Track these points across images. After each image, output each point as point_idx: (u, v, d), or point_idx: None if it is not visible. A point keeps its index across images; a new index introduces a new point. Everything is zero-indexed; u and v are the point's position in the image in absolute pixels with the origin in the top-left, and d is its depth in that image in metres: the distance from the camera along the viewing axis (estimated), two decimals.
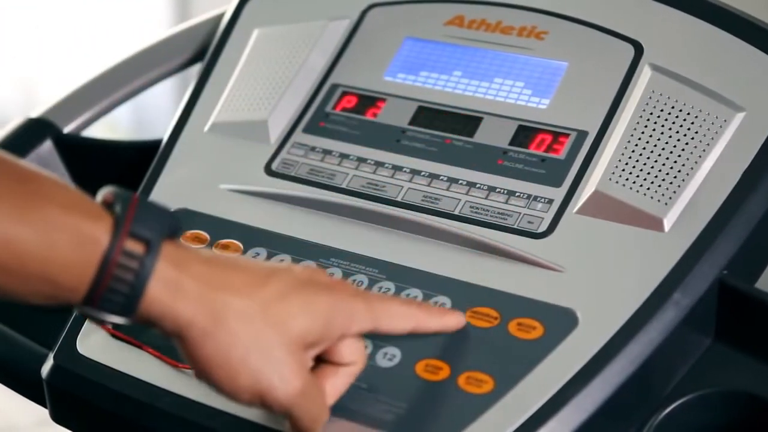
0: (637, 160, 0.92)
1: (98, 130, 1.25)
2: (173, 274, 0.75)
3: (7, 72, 3.12)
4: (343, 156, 1.03)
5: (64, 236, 0.72)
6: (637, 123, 0.94)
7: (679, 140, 0.92)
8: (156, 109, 2.90)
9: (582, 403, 0.82)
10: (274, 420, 0.85)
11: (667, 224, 0.89)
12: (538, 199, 0.94)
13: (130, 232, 0.74)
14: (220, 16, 1.21)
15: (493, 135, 1.00)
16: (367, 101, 1.06)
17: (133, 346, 0.93)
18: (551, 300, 0.88)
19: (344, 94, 1.07)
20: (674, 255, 0.87)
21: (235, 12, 1.17)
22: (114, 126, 2.90)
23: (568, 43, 1.02)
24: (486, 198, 0.96)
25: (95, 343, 0.94)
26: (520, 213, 0.94)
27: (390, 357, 0.87)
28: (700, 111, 0.93)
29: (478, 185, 0.97)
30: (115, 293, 0.74)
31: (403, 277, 0.93)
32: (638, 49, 0.98)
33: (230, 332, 0.75)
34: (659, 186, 0.90)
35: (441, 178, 0.98)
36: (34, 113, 1.20)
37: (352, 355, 0.82)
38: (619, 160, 0.93)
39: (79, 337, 0.95)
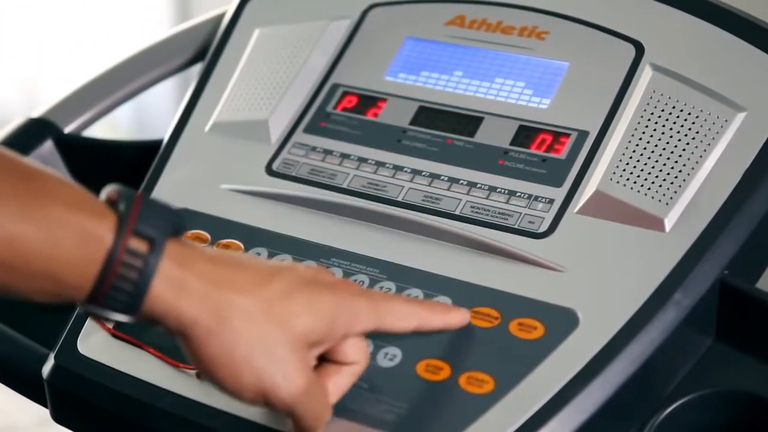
0: (638, 160, 0.92)
1: (99, 130, 1.25)
2: (177, 272, 0.75)
3: (8, 72, 3.12)
4: (344, 156, 1.03)
5: (68, 234, 0.72)
6: (638, 123, 0.94)
7: (680, 140, 0.92)
8: (157, 109, 2.90)
9: (583, 403, 0.82)
10: (274, 420, 0.85)
11: (668, 224, 0.89)
12: (539, 199, 0.94)
13: (134, 230, 0.74)
14: (221, 16, 1.21)
15: (494, 135, 1.00)
16: (368, 101, 1.06)
17: (134, 346, 0.93)
18: (552, 300, 0.88)
19: (345, 94, 1.07)
20: (675, 255, 0.87)
21: (235, 12, 1.17)
22: (115, 126, 2.90)
23: (569, 43, 1.02)
24: (487, 198, 0.96)
25: (96, 343, 0.94)
26: (520, 213, 0.94)
27: (391, 357, 0.87)
28: (701, 111, 0.93)
29: (478, 185, 0.97)
30: (119, 291, 0.74)
31: (404, 277, 0.93)
32: (639, 49, 0.98)
33: (234, 331, 0.76)
34: (660, 186, 0.90)
35: (442, 178, 0.98)
36: (35, 113, 1.20)
37: (355, 354, 0.82)
38: (620, 160, 0.93)
39: (79, 337, 0.95)
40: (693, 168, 0.90)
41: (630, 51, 0.98)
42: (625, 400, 0.84)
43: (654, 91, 0.95)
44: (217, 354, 0.76)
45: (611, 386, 0.83)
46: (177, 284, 0.75)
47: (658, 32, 0.99)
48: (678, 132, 0.92)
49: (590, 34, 1.01)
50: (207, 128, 1.10)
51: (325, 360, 0.82)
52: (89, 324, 0.96)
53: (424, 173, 0.99)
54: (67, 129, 1.19)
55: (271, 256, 0.97)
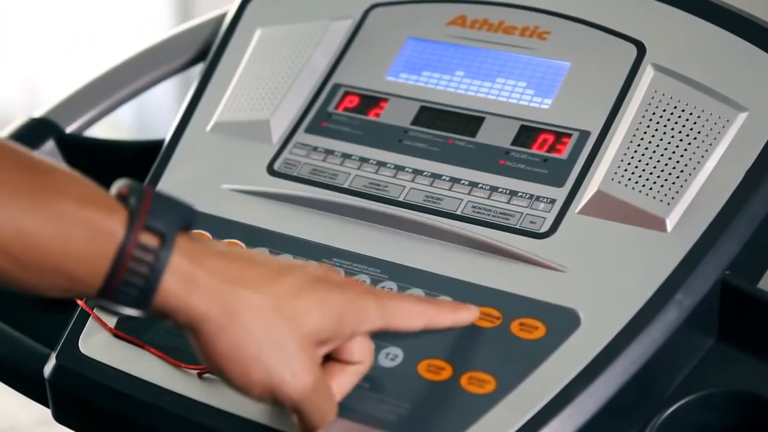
0: (640, 160, 0.92)
1: (101, 130, 1.25)
2: (188, 267, 0.75)
3: (9, 72, 3.12)
4: (346, 156, 1.03)
5: (79, 229, 0.73)
6: (640, 123, 0.94)
7: (681, 140, 0.92)
8: (158, 109, 2.90)
9: (584, 403, 0.82)
10: (276, 420, 0.85)
11: (670, 224, 0.89)
12: (541, 199, 0.94)
13: (145, 225, 0.74)
14: (223, 16, 1.21)
15: (496, 135, 1.00)
16: (370, 101, 1.06)
17: (136, 345, 0.93)
18: (553, 300, 0.88)
19: (346, 93, 1.07)
20: (677, 255, 0.87)
21: (237, 12, 1.17)
22: (116, 126, 2.90)
23: (571, 43, 1.02)
24: (488, 198, 0.96)
25: (97, 343, 0.94)
26: (522, 213, 0.94)
27: (392, 357, 0.87)
28: (703, 111, 0.93)
29: (480, 185, 0.97)
30: (130, 286, 0.74)
31: (406, 277, 0.93)
32: (641, 49, 0.98)
33: (244, 327, 0.76)
34: (662, 186, 0.90)
35: (443, 178, 0.98)
36: (37, 113, 1.20)
37: (361, 354, 0.82)
38: (622, 160, 0.93)
39: (81, 336, 0.95)
40: (694, 168, 0.90)
41: (631, 51, 0.99)
42: (627, 400, 0.84)
43: (655, 91, 0.95)
44: (226, 350, 0.76)
45: (613, 386, 0.83)
46: (187, 279, 0.75)
47: (660, 32, 0.99)
48: (679, 132, 0.92)
49: (592, 34, 1.01)
50: (208, 128, 1.10)
51: (330, 359, 0.82)
52: (91, 324, 0.96)
53: (425, 173, 0.99)
54: (69, 129, 1.19)
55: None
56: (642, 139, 0.93)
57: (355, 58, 1.09)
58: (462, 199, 0.97)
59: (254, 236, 0.99)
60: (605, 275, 0.88)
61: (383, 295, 0.83)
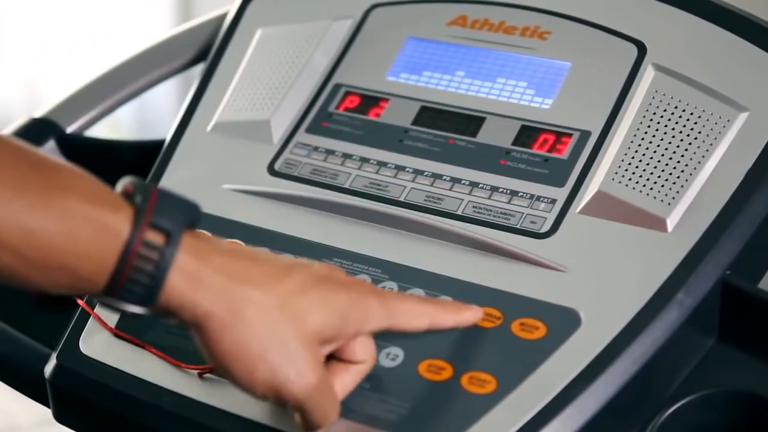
0: (640, 160, 0.92)
1: (101, 130, 1.25)
2: (193, 265, 0.75)
3: (8, 72, 3.12)
4: (346, 156, 1.03)
5: (84, 227, 0.73)
6: (640, 123, 0.94)
7: (682, 140, 0.92)
8: (159, 109, 2.90)
9: (585, 403, 0.82)
10: (276, 420, 0.85)
11: (671, 224, 0.89)
12: (541, 199, 0.94)
13: (151, 222, 0.74)
14: (223, 16, 1.21)
15: (496, 135, 1.00)
16: (370, 101, 1.06)
17: (136, 345, 0.93)
18: (554, 300, 0.88)
19: (347, 93, 1.07)
20: (677, 255, 0.87)
21: (238, 12, 1.17)
22: (117, 126, 2.90)
23: (571, 43, 1.02)
24: (489, 198, 0.96)
25: (98, 343, 0.94)
26: (522, 213, 0.94)
27: (393, 357, 0.87)
28: (704, 111, 0.93)
29: (480, 185, 0.97)
30: (136, 284, 0.74)
31: (406, 277, 0.93)
32: (641, 49, 0.98)
33: (248, 325, 0.76)
34: (662, 186, 0.90)
35: (444, 178, 0.98)
36: (38, 113, 1.20)
37: (364, 353, 0.82)
38: (622, 160, 0.93)
39: (81, 336, 0.95)
40: (695, 168, 0.90)
41: (632, 51, 0.99)
42: (627, 400, 0.84)
43: (656, 91, 0.95)
44: (231, 348, 0.76)
45: (613, 386, 0.83)
46: (193, 277, 0.75)
47: (661, 32, 0.99)
48: (680, 132, 0.92)
49: (592, 34, 1.01)
50: (209, 128, 1.10)
51: (332, 358, 0.82)
52: (91, 324, 0.96)
53: (426, 173, 0.99)
54: (70, 129, 1.19)
55: None
56: (643, 139, 0.93)
57: (355, 58, 1.09)
58: (462, 199, 0.97)
59: (255, 236, 0.99)
60: (606, 275, 0.88)
61: (387, 295, 0.83)
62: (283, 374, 0.76)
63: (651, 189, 0.91)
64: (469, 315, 0.87)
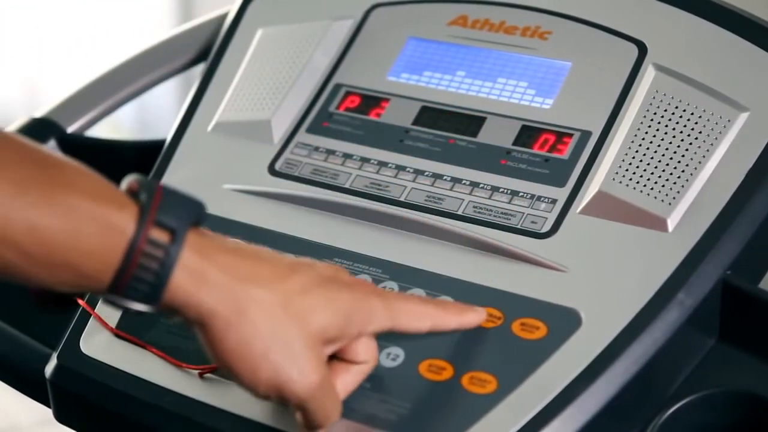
0: (641, 160, 0.92)
1: (102, 130, 1.25)
2: (198, 263, 0.75)
3: (8, 72, 3.12)
4: (347, 156, 1.03)
5: (88, 224, 0.72)
6: (641, 123, 0.94)
7: (682, 140, 0.92)
8: (159, 109, 2.90)
9: (586, 403, 0.82)
10: (277, 420, 0.85)
11: (671, 224, 0.89)
12: (542, 199, 0.94)
13: (156, 220, 0.74)
14: (224, 16, 1.21)
15: (497, 135, 1.00)
16: (371, 101, 1.06)
17: (137, 345, 0.93)
18: (555, 300, 0.88)
19: (348, 94, 1.07)
20: (678, 255, 0.87)
21: (238, 12, 1.17)
22: (117, 126, 2.90)
23: (572, 43, 1.02)
24: (489, 198, 0.96)
25: (99, 343, 0.94)
26: (523, 213, 0.94)
27: (393, 357, 0.87)
28: (704, 111, 0.93)
29: (481, 185, 0.97)
30: (140, 282, 0.74)
31: (407, 277, 0.93)
32: (642, 49, 0.98)
33: (252, 324, 0.76)
34: (663, 186, 0.90)
35: (444, 178, 0.98)
36: (38, 113, 1.20)
37: (366, 354, 0.82)
38: (623, 160, 0.93)
39: (82, 336, 0.95)
40: (696, 168, 0.90)
41: (633, 51, 0.99)
42: (628, 400, 0.84)
43: (657, 91, 0.95)
44: (234, 347, 0.76)
45: (614, 386, 0.83)
46: (197, 275, 0.75)
47: (661, 32, 0.99)
48: (681, 132, 0.92)
49: (593, 34, 1.01)
50: (210, 128, 1.10)
51: (334, 358, 0.82)
52: (92, 323, 0.96)
53: (426, 173, 0.99)
54: (70, 129, 1.19)
55: None
56: (643, 139, 0.93)
57: (356, 58, 1.09)
58: (463, 199, 0.97)
59: (255, 236, 0.99)
60: (606, 275, 0.88)
61: (390, 296, 0.83)
62: (286, 374, 0.76)
63: (651, 189, 0.91)
64: (473, 317, 0.87)
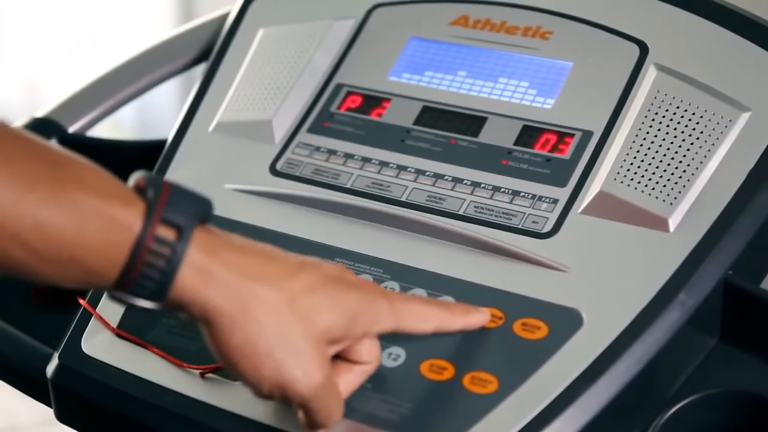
0: (642, 160, 0.92)
1: (103, 130, 1.25)
2: (204, 260, 0.75)
3: (8, 72, 3.12)
4: (348, 156, 1.03)
5: (96, 221, 0.72)
6: (642, 123, 0.94)
7: (684, 140, 0.92)
8: (160, 109, 2.90)
9: (587, 403, 0.82)
10: (279, 420, 0.85)
11: (672, 224, 0.89)
12: (543, 199, 0.94)
13: (163, 218, 0.74)
14: (225, 16, 1.21)
15: (498, 135, 1.00)
16: (372, 101, 1.06)
17: (138, 345, 0.93)
18: (556, 300, 0.88)
19: (349, 93, 1.07)
20: (679, 255, 0.87)
21: (239, 12, 1.17)
22: (118, 126, 2.90)
23: (573, 43, 1.02)
24: (491, 198, 0.96)
25: (100, 343, 0.94)
26: (524, 213, 0.94)
27: (395, 357, 0.87)
28: (706, 111, 0.93)
29: (482, 185, 0.97)
30: (147, 279, 0.74)
31: (408, 277, 0.93)
32: (643, 49, 0.98)
33: (257, 322, 0.76)
34: (664, 186, 0.90)
35: (445, 178, 0.98)
36: (39, 113, 1.20)
37: (369, 354, 0.82)
38: (624, 160, 0.93)
39: (84, 336, 0.95)
40: (697, 168, 0.90)
41: (634, 51, 0.99)
42: (629, 401, 0.84)
43: (658, 91, 0.95)
44: (239, 345, 0.76)
45: (615, 386, 0.83)
46: (204, 273, 0.75)
47: (663, 32, 0.99)
48: (682, 132, 0.92)
49: (594, 34, 1.01)
50: (211, 128, 1.10)
51: (337, 357, 0.82)
52: (93, 323, 0.96)
53: (427, 173, 0.99)
54: (71, 129, 1.20)
55: None
56: (644, 139, 0.93)
57: (357, 58, 1.09)
58: (464, 199, 0.97)
59: (257, 236, 0.98)
60: (608, 275, 0.88)
61: (396, 297, 0.83)
62: (290, 373, 0.76)
63: (653, 189, 0.91)
64: (477, 318, 0.87)
